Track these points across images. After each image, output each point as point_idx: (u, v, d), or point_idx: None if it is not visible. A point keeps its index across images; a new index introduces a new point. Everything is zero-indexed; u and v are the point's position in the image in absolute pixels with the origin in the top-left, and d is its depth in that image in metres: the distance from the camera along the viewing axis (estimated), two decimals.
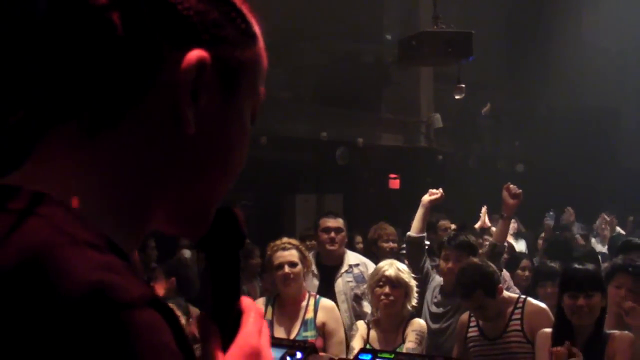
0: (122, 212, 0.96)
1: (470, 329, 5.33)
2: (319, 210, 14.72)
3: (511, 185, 6.44)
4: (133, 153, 0.95)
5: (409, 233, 6.44)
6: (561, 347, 4.16)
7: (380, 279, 5.25)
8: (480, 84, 17.82)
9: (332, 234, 6.60)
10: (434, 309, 5.99)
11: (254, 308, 1.15)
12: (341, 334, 5.39)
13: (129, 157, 0.95)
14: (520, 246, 11.16)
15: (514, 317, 5.20)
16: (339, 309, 5.80)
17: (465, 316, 5.44)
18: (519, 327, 5.14)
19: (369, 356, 2.75)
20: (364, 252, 7.87)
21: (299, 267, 5.31)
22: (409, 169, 16.24)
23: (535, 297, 6.17)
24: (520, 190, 6.38)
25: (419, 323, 5.34)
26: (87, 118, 0.93)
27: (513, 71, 19.40)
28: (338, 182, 15.72)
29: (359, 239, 9.84)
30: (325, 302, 5.51)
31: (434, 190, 6.52)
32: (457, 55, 8.41)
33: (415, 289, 5.33)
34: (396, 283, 5.21)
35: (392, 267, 5.30)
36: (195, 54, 0.95)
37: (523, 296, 5.45)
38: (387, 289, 5.20)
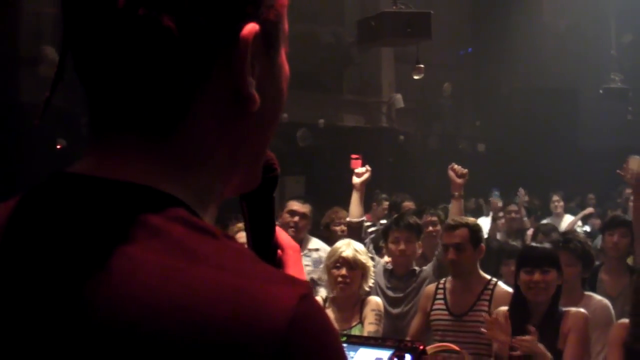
0: (208, 200, 1.01)
1: (435, 302, 5.32)
2: (280, 192, 14.83)
3: (456, 166, 6.42)
4: (207, 141, 0.99)
5: (347, 218, 6.35)
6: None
7: (337, 260, 5.14)
8: (441, 65, 18.01)
9: (297, 219, 6.57)
10: (390, 293, 5.88)
11: (291, 244, 1.24)
12: None
13: (205, 146, 0.99)
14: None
15: (483, 297, 5.21)
16: None
17: (431, 288, 5.44)
18: (486, 308, 5.14)
19: None
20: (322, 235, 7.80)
21: None
22: (371, 150, 16.29)
23: (500, 276, 6.28)
24: (466, 170, 6.35)
25: (376, 302, 5.25)
26: (154, 120, 0.96)
27: (474, 51, 19.57)
28: (300, 164, 15.75)
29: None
30: None
31: (360, 170, 6.34)
32: (416, 35, 8.42)
33: (372, 269, 5.23)
34: (353, 264, 5.10)
35: (349, 248, 5.18)
36: (247, 32, 0.97)
37: (495, 279, 5.45)
38: (343, 271, 5.09)
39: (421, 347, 2.52)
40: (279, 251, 1.23)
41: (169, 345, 0.83)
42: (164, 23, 0.92)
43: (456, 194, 6.35)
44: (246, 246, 1.00)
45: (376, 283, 5.79)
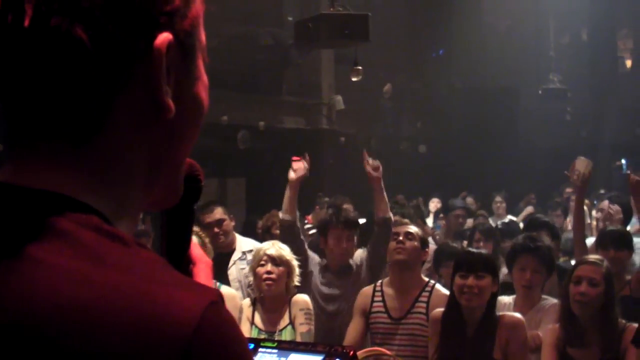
0: (125, 209, 1.01)
1: (374, 305, 5.31)
2: (221, 195, 14.78)
3: (370, 160, 6.27)
4: (124, 151, 0.99)
5: (280, 215, 6.29)
6: None
7: (261, 258, 5.18)
8: (382, 66, 18.10)
9: (215, 230, 6.53)
10: (325, 289, 5.89)
11: (203, 259, 1.24)
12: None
13: (122, 156, 0.99)
14: None
15: (421, 299, 5.22)
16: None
17: (368, 290, 5.42)
18: (424, 310, 5.15)
19: (252, 345, 2.81)
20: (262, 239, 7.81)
21: None
22: (312, 152, 16.33)
23: (439, 278, 6.35)
24: (379, 164, 6.20)
25: (304, 300, 5.28)
26: (71, 131, 0.96)
27: (415, 52, 19.71)
28: (240, 166, 15.76)
29: (260, 224, 9.85)
30: (225, 290, 5.47)
31: (298, 165, 6.19)
32: (353, 37, 8.37)
33: (297, 269, 5.24)
34: (278, 261, 5.14)
35: (274, 247, 5.23)
36: (160, 41, 0.97)
37: (432, 281, 5.45)
38: (268, 267, 5.12)
39: (351, 353, 2.53)
40: (191, 265, 1.23)
41: (74, 348, 0.84)
42: (77, 34, 0.92)
43: (377, 187, 6.18)
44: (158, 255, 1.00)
45: (311, 280, 5.86)
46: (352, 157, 17.01)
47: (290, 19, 16.31)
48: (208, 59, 1.11)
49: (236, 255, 6.52)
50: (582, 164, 6.43)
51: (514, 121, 20.23)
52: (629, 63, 23.29)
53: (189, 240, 1.20)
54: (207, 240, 5.43)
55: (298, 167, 6.16)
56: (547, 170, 18.61)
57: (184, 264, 1.19)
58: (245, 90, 14.96)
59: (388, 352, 4.21)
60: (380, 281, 5.47)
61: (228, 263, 6.49)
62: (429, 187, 15.35)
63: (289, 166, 6.19)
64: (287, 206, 6.13)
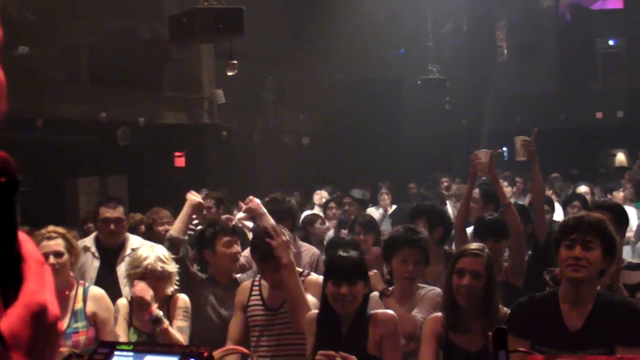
0: None
1: (251, 298, 5.30)
2: (102, 193, 14.72)
3: None
4: None
5: (170, 231, 6.21)
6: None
7: (143, 273, 5.06)
8: (263, 59, 18.32)
9: (112, 227, 6.49)
10: (216, 302, 5.85)
11: (34, 257, 1.14)
12: (113, 323, 5.22)
13: None
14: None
15: None
16: (121, 294, 5.73)
17: (247, 284, 5.42)
18: None
19: (107, 349, 2.87)
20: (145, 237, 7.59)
21: (66, 256, 5.17)
22: (194, 146, 16.40)
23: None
24: None
25: (184, 300, 5.25)
26: None
27: (297, 45, 19.90)
28: (121, 164, 15.66)
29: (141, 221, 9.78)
30: (94, 290, 5.41)
31: (194, 197, 6.31)
32: (228, 31, 8.44)
33: (176, 275, 5.22)
34: (160, 275, 5.07)
35: (153, 255, 5.11)
36: None
37: (307, 271, 5.49)
38: (151, 282, 5.05)
39: (206, 353, 2.63)
40: (22, 263, 1.14)
41: None
42: None
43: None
44: None
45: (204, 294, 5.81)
46: (235, 151, 17.24)
47: (169, 13, 16.29)
48: None
49: (125, 252, 6.47)
50: (484, 154, 6.52)
51: (397, 112, 20.58)
52: (506, 53, 24.06)
53: (13, 237, 1.12)
54: (74, 241, 5.37)
55: (195, 198, 6.29)
56: (429, 159, 19.23)
57: (14, 262, 1.12)
58: (124, 87, 14.90)
59: (245, 350, 4.26)
60: (259, 275, 5.45)
61: (116, 260, 6.49)
62: (313, 178, 15.54)
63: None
64: (178, 225, 6.17)
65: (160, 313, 4.98)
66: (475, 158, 6.53)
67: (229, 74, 9.07)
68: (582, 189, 10.58)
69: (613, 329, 3.92)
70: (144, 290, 5.00)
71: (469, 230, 6.74)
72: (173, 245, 5.94)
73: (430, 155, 19.71)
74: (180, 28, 8.71)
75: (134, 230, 7.74)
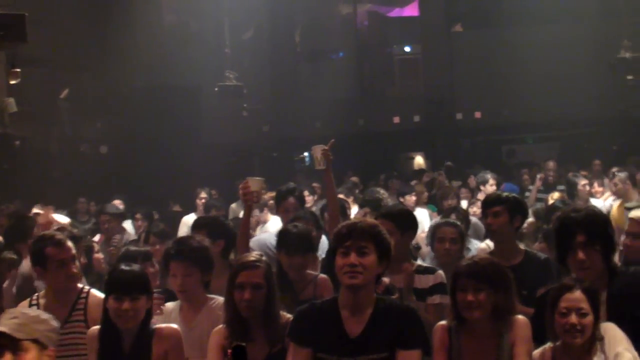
0: None
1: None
2: None
3: None
4: None
5: None
6: None
7: None
8: (62, 65, 18.21)
9: None
10: None
11: None
12: None
13: None
14: None
15: (78, 306, 5.29)
16: None
17: (24, 303, 5.32)
18: (82, 318, 5.24)
19: None
20: None
21: None
22: None
23: None
24: None
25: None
26: None
27: (97, 51, 19.78)
28: None
29: None
30: None
31: None
32: (9, 39, 8.21)
33: None
34: None
35: None
36: None
37: (87, 287, 5.48)
38: None
39: None
40: None
41: None
42: None
43: None
44: None
45: None
46: (29, 160, 17.08)
47: None
48: None
49: None
50: (255, 183, 6.50)
51: (196, 119, 20.76)
52: (305, 59, 24.62)
53: None
54: None
55: None
56: (228, 166, 19.56)
57: None
58: None
59: None
60: (36, 294, 5.45)
61: None
62: (111, 187, 15.57)
63: None
64: None
65: None
66: (244, 187, 6.48)
67: (12, 82, 9.03)
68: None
69: (392, 333, 4.09)
70: None
71: None
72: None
73: (229, 163, 20.09)
74: None
75: None
